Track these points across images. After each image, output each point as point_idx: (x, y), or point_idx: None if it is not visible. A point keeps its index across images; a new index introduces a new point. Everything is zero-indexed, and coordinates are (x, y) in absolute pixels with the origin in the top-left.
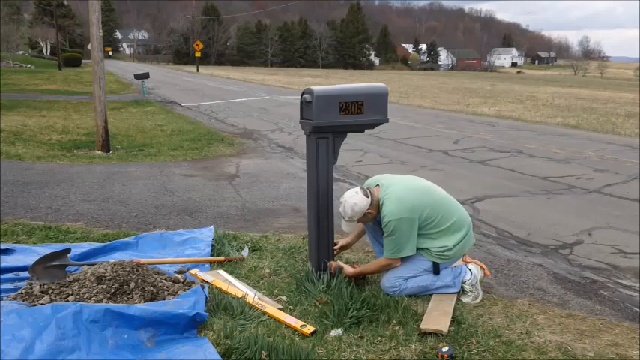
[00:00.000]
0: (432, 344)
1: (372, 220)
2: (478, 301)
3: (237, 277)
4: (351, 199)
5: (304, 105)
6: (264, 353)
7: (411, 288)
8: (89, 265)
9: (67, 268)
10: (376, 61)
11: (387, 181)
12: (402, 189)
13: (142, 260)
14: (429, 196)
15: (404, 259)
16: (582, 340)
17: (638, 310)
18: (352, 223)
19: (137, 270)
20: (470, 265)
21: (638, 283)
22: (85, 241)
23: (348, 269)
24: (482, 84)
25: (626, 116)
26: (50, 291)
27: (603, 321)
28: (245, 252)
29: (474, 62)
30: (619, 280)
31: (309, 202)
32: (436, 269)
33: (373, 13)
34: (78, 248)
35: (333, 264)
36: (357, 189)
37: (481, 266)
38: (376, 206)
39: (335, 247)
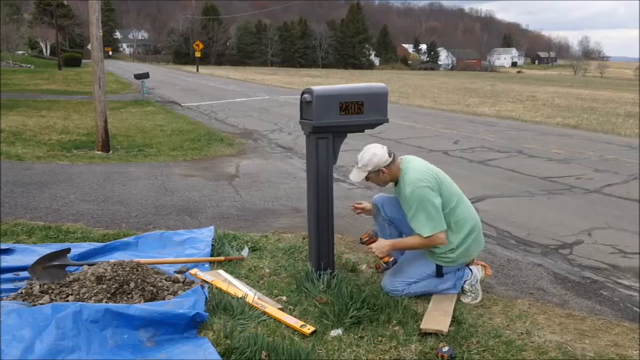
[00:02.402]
0: (432, 344)
1: (381, 184)
2: (478, 301)
3: (237, 277)
4: (373, 149)
5: (304, 105)
6: (264, 353)
7: (414, 293)
8: (89, 265)
9: (67, 268)
10: (376, 61)
11: (409, 157)
12: (425, 164)
13: (142, 260)
14: (448, 182)
15: (407, 263)
16: (582, 340)
17: (638, 310)
18: (362, 173)
19: (137, 270)
20: (471, 266)
21: (638, 283)
22: (85, 241)
23: (383, 241)
24: (482, 84)
25: (626, 116)
26: (50, 291)
27: (603, 321)
28: (245, 252)
29: (474, 62)
30: (619, 280)
31: (309, 202)
32: (439, 272)
33: (373, 13)
34: (78, 248)
35: (368, 232)
36: (383, 145)
37: (483, 266)
38: (394, 172)
39: (355, 206)
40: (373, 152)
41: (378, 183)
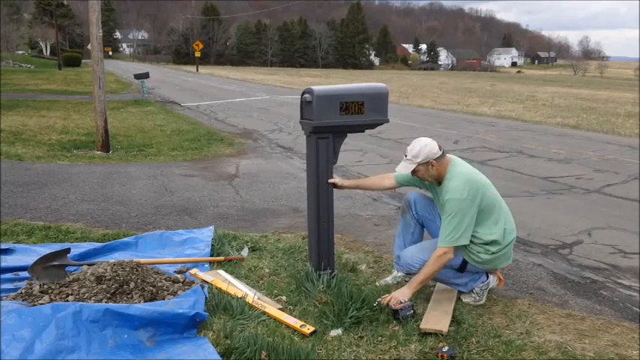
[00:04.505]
0: (432, 344)
1: (429, 179)
2: (479, 304)
3: (237, 277)
4: (424, 140)
5: (304, 105)
6: (264, 353)
7: None
8: (89, 265)
9: (66, 268)
10: (376, 61)
11: (456, 160)
12: (470, 171)
13: (142, 260)
14: (490, 192)
15: (435, 245)
16: (582, 340)
17: (638, 310)
18: (411, 165)
19: (137, 270)
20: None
21: (638, 283)
22: (85, 241)
23: (401, 290)
24: (482, 84)
25: (626, 116)
26: (50, 291)
27: (603, 321)
28: (245, 252)
29: (474, 62)
30: (619, 280)
31: (309, 202)
32: (462, 268)
33: (373, 13)
34: (78, 248)
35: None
36: (433, 139)
37: (499, 278)
38: (442, 169)
39: (330, 181)
40: (424, 143)
41: (426, 178)
